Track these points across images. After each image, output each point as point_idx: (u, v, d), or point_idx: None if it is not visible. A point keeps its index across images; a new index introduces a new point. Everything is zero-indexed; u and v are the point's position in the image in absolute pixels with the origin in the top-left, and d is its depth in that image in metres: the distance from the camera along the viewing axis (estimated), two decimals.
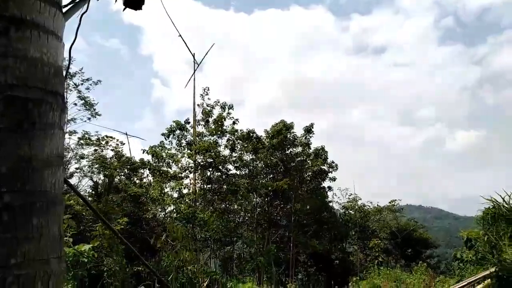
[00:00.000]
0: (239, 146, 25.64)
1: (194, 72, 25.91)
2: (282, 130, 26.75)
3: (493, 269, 11.02)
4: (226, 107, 24.96)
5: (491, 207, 11.72)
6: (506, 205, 11.29)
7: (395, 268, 23.76)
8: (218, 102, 25.03)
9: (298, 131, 27.97)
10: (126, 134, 25.17)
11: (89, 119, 24.00)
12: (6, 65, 1.39)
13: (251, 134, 26.85)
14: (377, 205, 33.35)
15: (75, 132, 23.61)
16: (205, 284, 16.10)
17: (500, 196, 11.42)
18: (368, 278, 19.06)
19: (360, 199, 32.02)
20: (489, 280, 10.87)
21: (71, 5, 3.51)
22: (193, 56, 25.83)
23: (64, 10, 1.83)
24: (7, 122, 1.37)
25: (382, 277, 18.88)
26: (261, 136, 27.17)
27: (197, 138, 23.78)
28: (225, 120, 24.86)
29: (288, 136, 27.13)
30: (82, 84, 23.61)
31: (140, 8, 2.11)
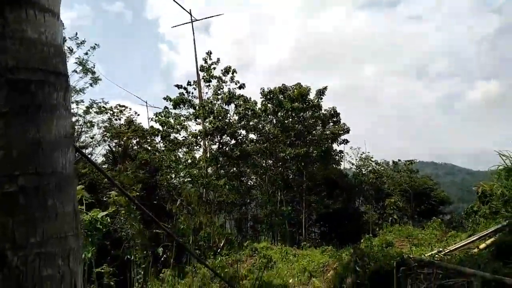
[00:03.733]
0: (249, 112, 24.49)
1: (193, 33, 25.46)
2: (302, 94, 26.27)
3: (505, 223, 11.11)
4: (230, 71, 23.50)
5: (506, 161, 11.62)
6: None
7: (408, 225, 24.06)
8: (219, 61, 23.41)
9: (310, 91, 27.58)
10: (146, 103, 25.18)
11: (91, 85, 23.45)
12: (5, 46, 1.36)
13: (272, 95, 26.51)
14: (393, 161, 33.46)
15: (82, 101, 23.32)
16: (221, 245, 16.74)
17: None
18: (380, 235, 19.35)
19: (374, 159, 32.07)
20: (500, 233, 10.97)
21: None
22: (190, 13, 25.28)
23: None
24: (12, 106, 1.36)
25: (394, 234, 19.14)
26: (280, 97, 26.76)
27: (203, 103, 23.32)
28: (229, 84, 23.62)
29: (306, 98, 26.84)
30: (78, 46, 22.68)
31: None
